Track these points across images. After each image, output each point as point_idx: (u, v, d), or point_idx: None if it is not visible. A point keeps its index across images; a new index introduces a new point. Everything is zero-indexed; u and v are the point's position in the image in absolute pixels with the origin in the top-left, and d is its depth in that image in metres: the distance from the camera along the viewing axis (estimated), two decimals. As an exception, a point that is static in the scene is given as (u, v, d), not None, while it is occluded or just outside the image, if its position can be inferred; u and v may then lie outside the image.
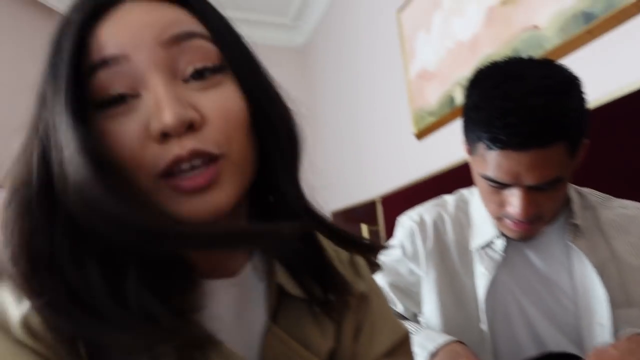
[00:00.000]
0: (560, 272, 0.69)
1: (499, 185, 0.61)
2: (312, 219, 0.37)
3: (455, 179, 1.95)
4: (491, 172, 0.60)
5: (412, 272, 0.78)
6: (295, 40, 3.09)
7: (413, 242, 0.78)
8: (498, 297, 0.70)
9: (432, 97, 1.58)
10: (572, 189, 0.73)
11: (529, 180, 0.58)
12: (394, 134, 2.08)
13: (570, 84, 0.59)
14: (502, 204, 0.63)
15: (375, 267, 0.43)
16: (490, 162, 0.60)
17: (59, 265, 0.28)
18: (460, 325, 0.71)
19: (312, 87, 3.08)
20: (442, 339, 0.64)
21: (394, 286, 0.79)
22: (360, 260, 0.44)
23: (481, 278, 0.70)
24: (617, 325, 0.63)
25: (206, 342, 0.31)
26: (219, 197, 0.31)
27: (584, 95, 0.60)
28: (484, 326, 0.69)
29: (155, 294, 0.28)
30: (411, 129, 1.83)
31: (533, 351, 0.68)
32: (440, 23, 1.51)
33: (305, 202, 0.37)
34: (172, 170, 0.30)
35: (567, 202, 0.71)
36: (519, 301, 0.69)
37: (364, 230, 2.79)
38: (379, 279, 0.82)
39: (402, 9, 1.75)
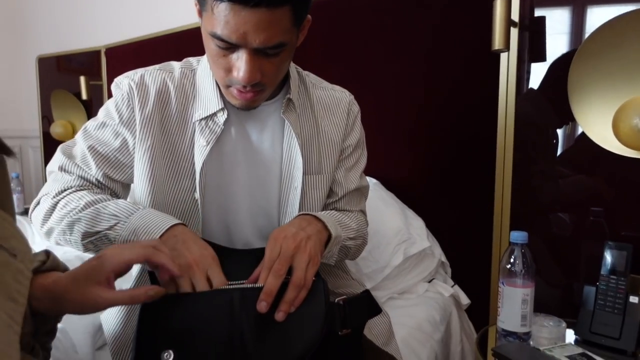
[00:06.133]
0: (273, 142, 0.77)
1: (227, 46, 0.62)
2: None
3: (189, 41, 1.84)
4: (220, 30, 0.60)
5: (118, 136, 0.74)
6: None
7: (129, 106, 0.73)
8: (213, 167, 0.73)
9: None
10: (293, 67, 0.79)
11: (255, 41, 0.60)
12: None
13: None
14: (229, 69, 0.64)
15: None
16: (219, 18, 0.59)
17: None
18: (172, 196, 0.73)
19: None
20: (164, 222, 0.64)
21: (94, 150, 0.73)
22: None
23: (200, 149, 0.72)
24: (305, 189, 0.76)
25: None
26: None
27: None
28: (197, 195, 0.72)
29: None
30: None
31: (240, 215, 0.75)
32: None
33: None
34: None
35: (286, 78, 0.77)
36: (232, 171, 0.75)
37: (83, 83, 2.40)
38: (80, 140, 0.75)
39: None
